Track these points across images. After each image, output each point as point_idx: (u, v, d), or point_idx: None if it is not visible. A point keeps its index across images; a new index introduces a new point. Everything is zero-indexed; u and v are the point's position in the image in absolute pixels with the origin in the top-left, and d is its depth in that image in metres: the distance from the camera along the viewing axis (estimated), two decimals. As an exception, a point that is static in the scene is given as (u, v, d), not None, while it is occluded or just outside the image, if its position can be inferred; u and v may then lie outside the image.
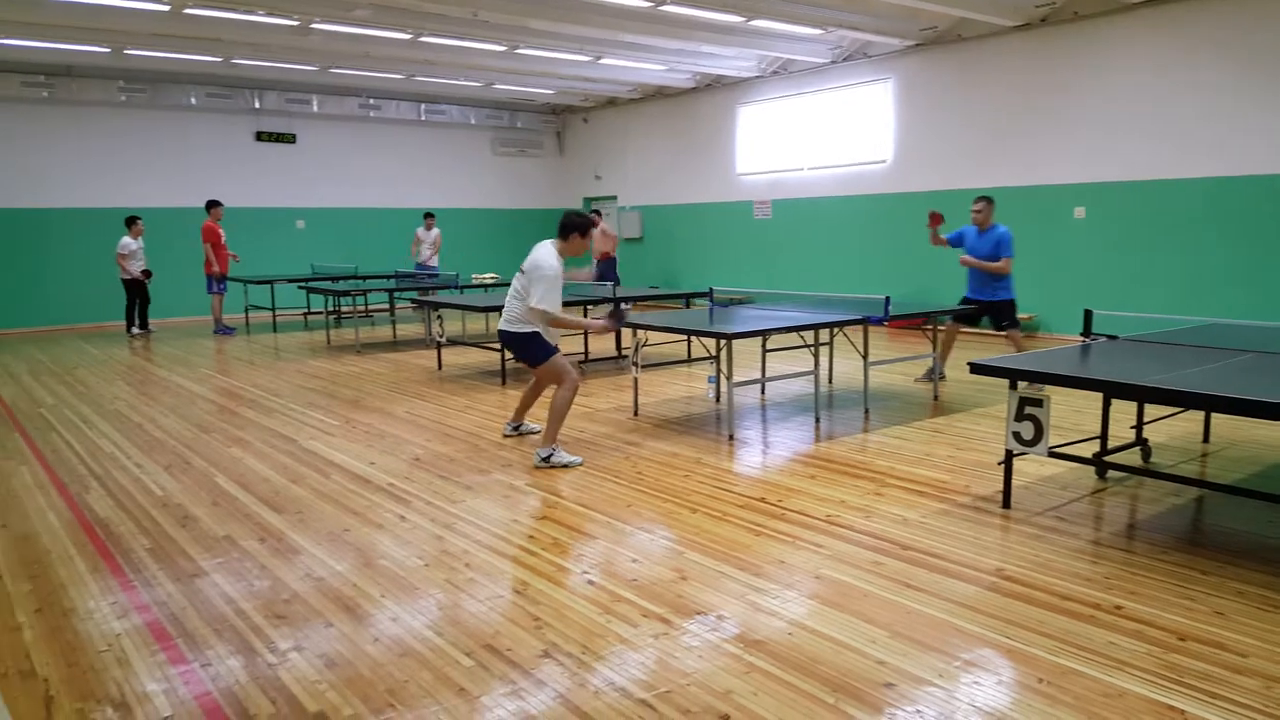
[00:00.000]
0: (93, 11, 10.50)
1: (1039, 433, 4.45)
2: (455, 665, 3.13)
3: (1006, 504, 4.83)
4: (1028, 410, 4.48)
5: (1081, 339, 5.60)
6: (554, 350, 5.89)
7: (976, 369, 4.67)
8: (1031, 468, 5.52)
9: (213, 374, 9.80)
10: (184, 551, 4.31)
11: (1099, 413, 5.38)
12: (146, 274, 13.34)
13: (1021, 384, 4.51)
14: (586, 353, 10.17)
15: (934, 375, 8.11)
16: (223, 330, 13.69)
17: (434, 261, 15.41)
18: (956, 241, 8.38)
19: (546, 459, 5.75)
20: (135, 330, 13.56)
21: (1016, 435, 4.55)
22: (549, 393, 6.11)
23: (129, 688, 3.00)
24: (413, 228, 15.95)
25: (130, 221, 13.24)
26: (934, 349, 8.07)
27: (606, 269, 13.53)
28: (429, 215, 15.43)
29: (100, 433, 6.93)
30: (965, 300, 8.37)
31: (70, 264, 14.61)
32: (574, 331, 8.12)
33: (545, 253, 5.84)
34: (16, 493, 5.35)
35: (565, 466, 5.74)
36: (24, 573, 4.06)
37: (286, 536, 4.51)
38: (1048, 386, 4.47)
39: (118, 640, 3.36)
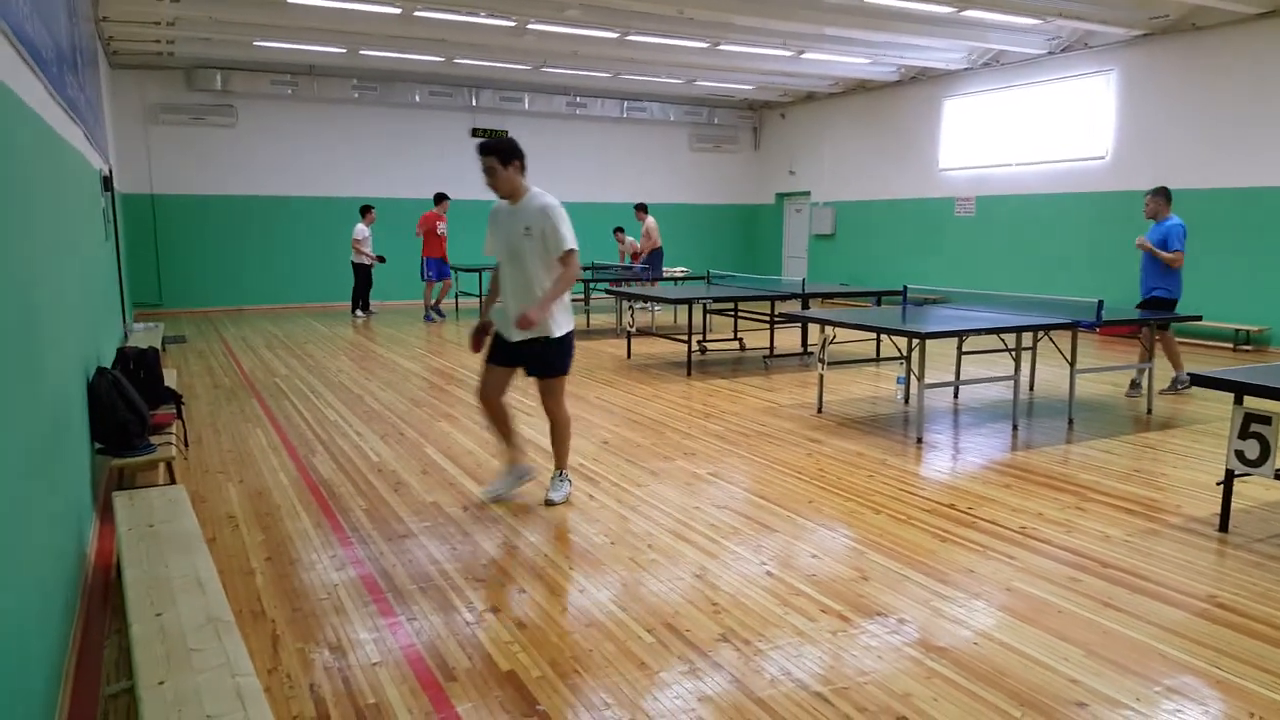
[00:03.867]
0: (334, 14, 11.56)
1: (1266, 452, 4.06)
2: (637, 640, 3.28)
3: (1224, 527, 4.45)
4: (1254, 428, 4.10)
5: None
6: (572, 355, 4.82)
7: (1199, 381, 4.32)
8: (1255, 491, 5.04)
9: (426, 354, 10.57)
10: (396, 514, 4.73)
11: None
12: (379, 259, 14.37)
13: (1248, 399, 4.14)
14: (772, 348, 10.16)
15: (1178, 384, 8.01)
16: (430, 316, 14.45)
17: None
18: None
19: (565, 498, 4.92)
20: (359, 313, 14.61)
21: (1239, 454, 4.18)
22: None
23: (344, 634, 3.34)
24: (612, 222, 16.39)
25: (364, 210, 14.30)
26: (1149, 358, 7.49)
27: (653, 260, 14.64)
28: (640, 207, 15.60)
29: (326, 403, 7.67)
30: (1143, 301, 7.98)
31: (303, 248, 16.12)
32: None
33: (541, 195, 4.59)
34: (252, 452, 6.03)
35: (566, 499, 4.93)
36: (258, 524, 4.59)
37: (487, 506, 4.84)
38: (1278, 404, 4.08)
39: (335, 590, 3.74)
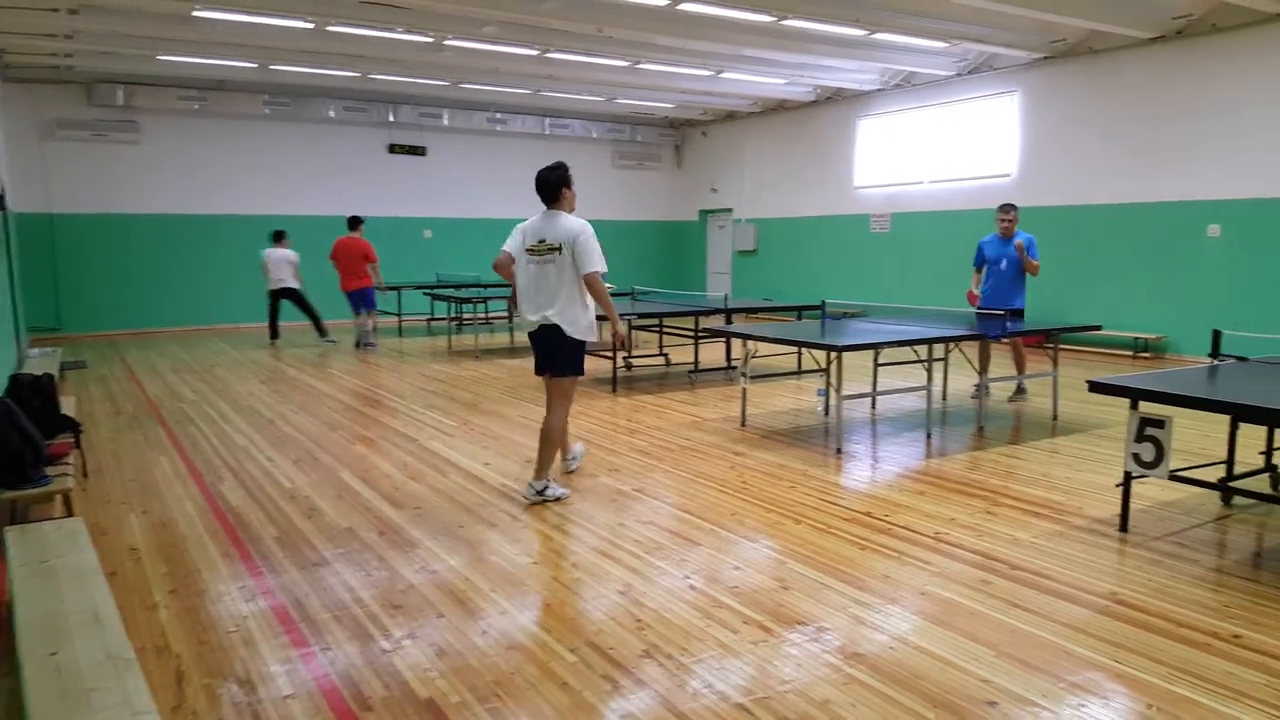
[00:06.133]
0: (244, 29, 11.28)
1: (1160, 455, 4.26)
2: (559, 660, 3.25)
3: (1124, 527, 4.65)
4: (1149, 431, 4.30)
5: (1209, 360, 5.33)
6: (582, 369, 5.38)
7: (1097, 388, 4.51)
8: (1152, 491, 5.28)
9: (340, 375, 10.34)
10: (309, 541, 4.60)
11: (1225, 437, 5.11)
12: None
13: (1143, 404, 4.33)
14: (696, 363, 10.24)
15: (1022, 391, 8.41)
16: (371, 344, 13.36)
17: None
18: (980, 262, 8.54)
19: (541, 492, 5.25)
20: (276, 341, 13.44)
21: (1136, 457, 4.37)
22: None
23: (254, 667, 3.22)
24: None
25: (281, 235, 13.28)
26: (1053, 367, 7.80)
27: None
28: None
29: (235, 428, 7.43)
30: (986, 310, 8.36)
31: (212, 268, 15.60)
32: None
33: (569, 219, 5.22)
34: (157, 481, 5.80)
35: (557, 500, 5.26)
36: (162, 555, 4.41)
37: (405, 530, 4.75)
38: (1172, 408, 4.28)
39: (245, 622, 3.62)
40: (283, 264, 13.06)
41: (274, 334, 13.46)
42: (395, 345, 13.40)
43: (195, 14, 10.57)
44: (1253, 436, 5.36)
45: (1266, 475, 5.30)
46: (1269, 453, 5.31)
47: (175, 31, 11.19)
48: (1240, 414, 4.18)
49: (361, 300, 12.88)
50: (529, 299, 5.23)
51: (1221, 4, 10.08)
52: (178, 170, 15.28)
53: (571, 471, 5.93)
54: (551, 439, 5.30)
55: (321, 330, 13.53)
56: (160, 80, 14.60)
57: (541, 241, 5.17)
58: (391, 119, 16.71)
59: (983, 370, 8.09)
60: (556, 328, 5.13)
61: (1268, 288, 10.31)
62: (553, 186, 5.23)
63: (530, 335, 5.32)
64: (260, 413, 8.04)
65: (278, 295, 13.18)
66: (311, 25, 11.20)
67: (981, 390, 7.88)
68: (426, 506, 5.18)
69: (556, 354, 5.23)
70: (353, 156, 16.70)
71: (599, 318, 5.63)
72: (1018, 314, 8.18)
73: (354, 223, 12.92)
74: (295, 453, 6.52)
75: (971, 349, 8.04)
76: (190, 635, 3.49)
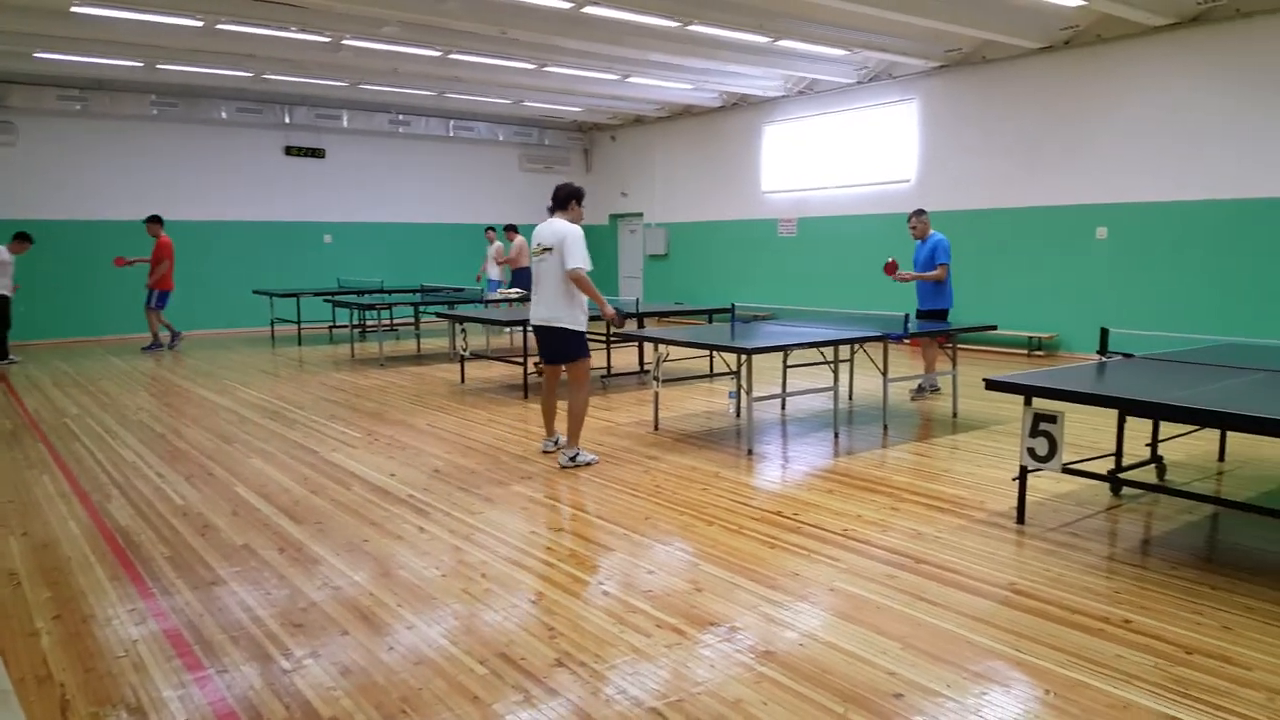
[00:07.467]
0: (127, 26, 10.75)
1: (1053, 449, 4.43)
2: (469, 674, 3.17)
3: (1021, 520, 4.82)
4: (1042, 426, 4.47)
5: (1098, 357, 5.58)
6: (589, 350, 6.16)
7: (992, 385, 4.67)
8: (1047, 484, 5.49)
9: (236, 386, 9.94)
10: (203, 560, 4.39)
11: (1114, 430, 5.36)
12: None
13: (1036, 400, 4.50)
14: (609, 367, 10.22)
15: (926, 389, 8.71)
16: (158, 346, 13.31)
17: (494, 275, 15.26)
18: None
19: (574, 459, 6.09)
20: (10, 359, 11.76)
21: (1031, 451, 4.54)
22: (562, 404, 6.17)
23: (145, 694, 3.05)
24: (438, 241, 16.06)
25: (21, 237, 12.03)
26: (952, 366, 8.07)
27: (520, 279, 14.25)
28: (490, 229, 15.45)
29: (123, 443, 7.06)
30: (918, 313, 8.73)
31: (98, 275, 14.79)
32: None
33: (564, 224, 5.96)
34: (38, 501, 5.45)
35: (588, 464, 6.11)
36: (44, 580, 4.14)
37: (306, 546, 4.57)
38: (1063, 404, 4.46)
39: (135, 647, 3.42)
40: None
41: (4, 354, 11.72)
42: (295, 354, 12.97)
43: (74, 10, 10.02)
44: (1139, 429, 5.64)
45: (1153, 466, 5.58)
46: (1154, 444, 5.60)
47: (53, 28, 10.61)
48: (1127, 408, 4.36)
49: (160, 299, 13.18)
50: (534, 296, 6.12)
51: (1105, 16, 10.61)
52: (58, 174, 14.48)
53: (551, 452, 6.49)
54: (578, 413, 6.08)
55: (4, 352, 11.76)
56: (37, 79, 13.81)
57: (539, 245, 6.01)
58: (288, 120, 16.19)
59: (930, 368, 8.62)
60: (554, 327, 5.99)
61: (1151, 287, 10.89)
62: (560, 197, 6.05)
63: (535, 330, 6.17)
64: (150, 427, 7.66)
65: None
66: (200, 23, 10.76)
67: (924, 389, 8.43)
68: (328, 521, 5.00)
69: (560, 347, 6.08)
70: (247, 159, 16.12)
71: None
72: (931, 314, 8.45)
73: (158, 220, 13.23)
74: (188, 468, 6.22)
75: (876, 350, 8.23)
76: (75, 662, 3.28)
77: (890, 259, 8.63)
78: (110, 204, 14.92)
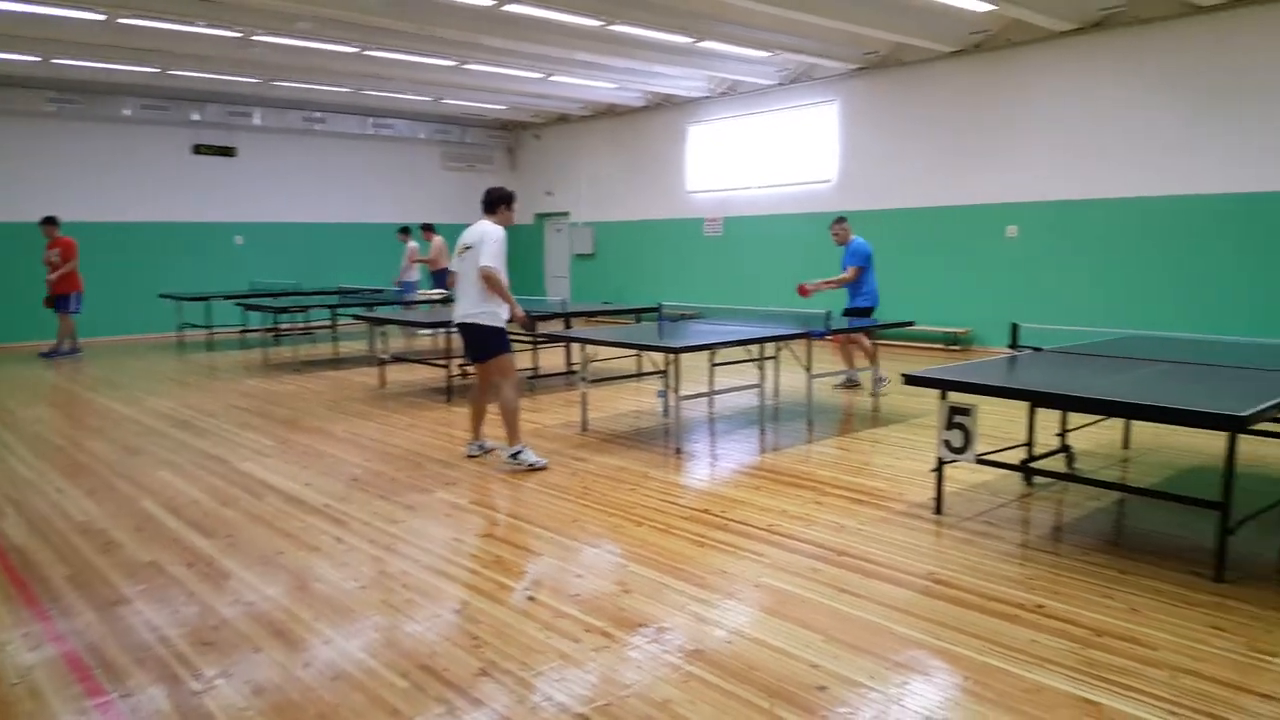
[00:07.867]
0: (19, 20, 10.21)
1: (968, 441, 4.54)
2: (390, 687, 3.08)
3: (939, 510, 4.93)
4: (957, 419, 4.57)
5: (1010, 351, 5.74)
6: (510, 346, 6.11)
7: (910, 380, 4.76)
8: (963, 475, 5.62)
9: (142, 395, 9.53)
10: (105, 579, 4.17)
11: (1025, 421, 5.52)
12: None
13: (950, 393, 4.60)
14: (536, 368, 10.12)
15: (851, 383, 9.04)
16: (71, 351, 12.91)
17: (410, 276, 14.99)
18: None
19: (517, 455, 6.01)
20: None
21: (947, 443, 4.64)
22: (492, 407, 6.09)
23: (43, 721, 2.89)
24: (357, 242, 15.69)
25: None
26: (872, 362, 8.24)
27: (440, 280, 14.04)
28: (404, 230, 15.15)
29: (18, 457, 6.69)
30: (845, 311, 8.98)
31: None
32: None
33: (488, 225, 6.04)
34: (-69, 519, 5.14)
35: (532, 467, 5.98)
36: (-64, 602, 3.90)
37: (216, 561, 4.39)
38: (977, 396, 4.57)
39: (30, 673, 3.24)
40: None
41: None
42: (205, 361, 12.52)
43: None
44: (1049, 420, 5.83)
45: (1062, 455, 5.77)
46: (1063, 434, 5.80)
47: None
48: (1037, 400, 4.51)
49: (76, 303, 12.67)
50: (457, 293, 6.13)
51: (1014, 21, 10.95)
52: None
53: (476, 457, 6.43)
54: (508, 409, 5.97)
55: None
56: (-80, 73, 13.05)
57: (463, 244, 6.09)
58: (196, 118, 15.60)
59: (848, 364, 8.84)
60: (473, 324, 5.99)
61: (1058, 283, 11.29)
62: (489, 200, 6.16)
63: (458, 328, 6.15)
64: (49, 439, 7.28)
65: None
66: (102, 17, 10.29)
67: (848, 382, 8.79)
68: (240, 534, 4.81)
69: (478, 344, 6.08)
70: (153, 158, 15.47)
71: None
72: (856, 313, 8.65)
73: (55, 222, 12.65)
74: (90, 482, 5.93)
75: (800, 347, 8.34)
76: (-39, 695, 3.08)
77: (799, 284, 8.93)
78: (3, 206, 14.15)
